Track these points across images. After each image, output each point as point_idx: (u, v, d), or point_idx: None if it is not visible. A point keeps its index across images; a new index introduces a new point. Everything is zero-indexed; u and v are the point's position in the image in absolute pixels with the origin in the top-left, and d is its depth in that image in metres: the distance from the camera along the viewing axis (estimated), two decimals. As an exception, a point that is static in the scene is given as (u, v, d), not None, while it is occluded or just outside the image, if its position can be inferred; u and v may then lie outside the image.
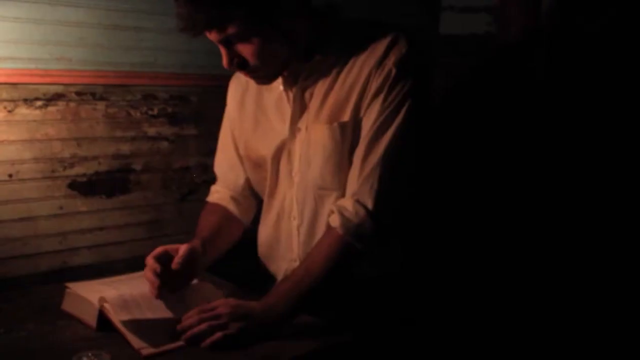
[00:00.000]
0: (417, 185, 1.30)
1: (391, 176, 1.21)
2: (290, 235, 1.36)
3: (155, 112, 1.74)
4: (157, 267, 1.24)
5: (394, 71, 1.19)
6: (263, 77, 1.25)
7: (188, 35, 1.14)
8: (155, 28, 1.69)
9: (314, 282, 1.19)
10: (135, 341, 1.14)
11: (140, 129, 1.71)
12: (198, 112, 1.82)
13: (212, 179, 1.54)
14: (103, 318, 1.20)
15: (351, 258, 1.22)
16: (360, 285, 1.31)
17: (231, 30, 1.13)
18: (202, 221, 1.44)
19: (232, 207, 1.47)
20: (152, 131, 1.74)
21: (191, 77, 1.78)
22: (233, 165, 1.47)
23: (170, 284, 1.26)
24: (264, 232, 1.43)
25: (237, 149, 1.44)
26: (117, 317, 1.17)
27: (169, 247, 1.30)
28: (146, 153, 1.74)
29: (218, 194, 1.49)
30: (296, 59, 1.24)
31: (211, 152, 1.53)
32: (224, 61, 1.19)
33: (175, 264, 1.26)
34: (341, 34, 1.26)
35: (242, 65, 1.20)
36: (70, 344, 1.16)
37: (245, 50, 1.17)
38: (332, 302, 1.26)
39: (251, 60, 1.18)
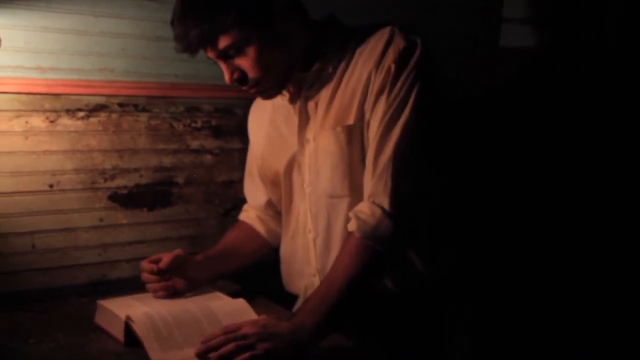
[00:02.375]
0: (440, 180, 1.27)
1: (405, 172, 1.17)
2: (307, 250, 1.32)
3: (199, 124, 1.72)
4: (153, 266, 1.33)
5: (393, 68, 1.17)
6: (265, 90, 1.24)
7: (187, 55, 1.16)
8: (199, 39, 1.66)
9: (339, 295, 1.14)
10: (156, 356, 1.12)
11: (183, 141, 1.69)
12: (243, 125, 1.78)
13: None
14: (131, 333, 1.19)
15: (374, 262, 1.17)
16: (392, 301, 1.26)
17: (225, 41, 1.14)
18: (224, 236, 1.51)
19: (257, 225, 1.51)
20: (195, 144, 1.72)
21: (236, 89, 1.74)
22: (254, 186, 1.51)
23: (172, 286, 1.35)
24: (284, 250, 1.42)
25: (257, 170, 1.47)
26: (140, 332, 1.16)
27: (163, 255, 1.37)
28: (189, 166, 1.71)
29: (246, 213, 1.55)
30: (297, 70, 1.24)
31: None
32: (225, 77, 1.20)
33: (162, 263, 1.34)
34: (339, 40, 1.25)
35: (241, 79, 1.20)
36: (96, 357, 1.15)
37: (243, 62, 1.17)
38: (362, 320, 1.20)
39: (250, 72, 1.18)
